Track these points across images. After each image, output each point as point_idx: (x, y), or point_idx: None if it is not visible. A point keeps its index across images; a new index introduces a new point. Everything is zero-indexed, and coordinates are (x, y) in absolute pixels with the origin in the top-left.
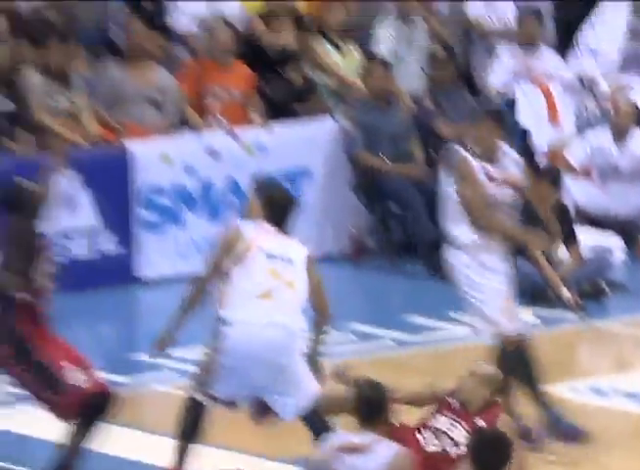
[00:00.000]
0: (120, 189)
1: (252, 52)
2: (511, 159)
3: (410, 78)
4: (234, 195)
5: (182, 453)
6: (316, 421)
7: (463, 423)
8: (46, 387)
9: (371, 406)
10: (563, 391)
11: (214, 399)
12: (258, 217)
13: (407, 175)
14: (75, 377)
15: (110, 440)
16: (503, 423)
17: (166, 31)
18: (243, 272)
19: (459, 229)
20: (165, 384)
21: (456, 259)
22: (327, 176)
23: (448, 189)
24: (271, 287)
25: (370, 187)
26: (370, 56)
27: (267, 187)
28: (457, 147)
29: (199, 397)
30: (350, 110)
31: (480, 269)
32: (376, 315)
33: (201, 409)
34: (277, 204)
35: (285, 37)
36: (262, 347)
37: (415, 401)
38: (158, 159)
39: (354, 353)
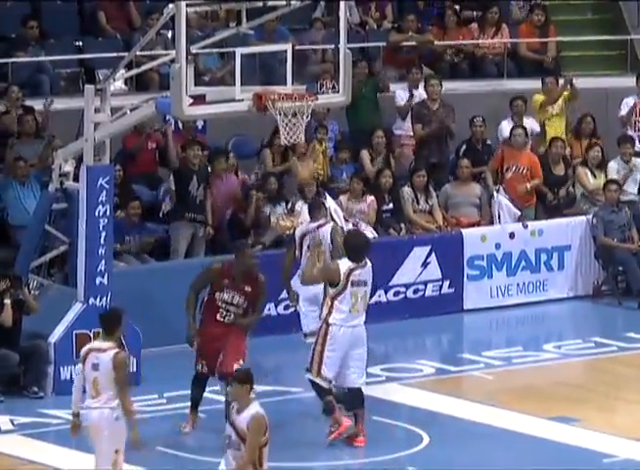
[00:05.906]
0: (457, 255)
1: None
2: None
3: (631, 192)
4: (525, 261)
5: None
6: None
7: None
8: None
9: None
10: None
11: None
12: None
13: (628, 249)
14: None
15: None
16: None
17: None
18: None
19: None
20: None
21: None
22: (580, 249)
23: None
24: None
25: (605, 255)
26: (609, 181)
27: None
28: None
29: None
30: (596, 210)
31: None
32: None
33: None
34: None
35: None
36: None
37: None
38: (478, 238)
39: None
